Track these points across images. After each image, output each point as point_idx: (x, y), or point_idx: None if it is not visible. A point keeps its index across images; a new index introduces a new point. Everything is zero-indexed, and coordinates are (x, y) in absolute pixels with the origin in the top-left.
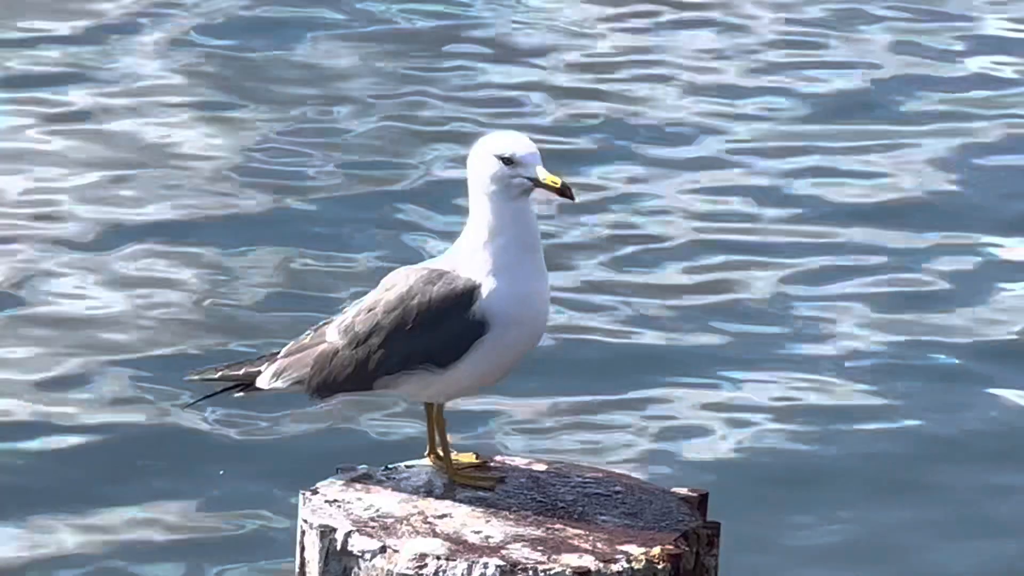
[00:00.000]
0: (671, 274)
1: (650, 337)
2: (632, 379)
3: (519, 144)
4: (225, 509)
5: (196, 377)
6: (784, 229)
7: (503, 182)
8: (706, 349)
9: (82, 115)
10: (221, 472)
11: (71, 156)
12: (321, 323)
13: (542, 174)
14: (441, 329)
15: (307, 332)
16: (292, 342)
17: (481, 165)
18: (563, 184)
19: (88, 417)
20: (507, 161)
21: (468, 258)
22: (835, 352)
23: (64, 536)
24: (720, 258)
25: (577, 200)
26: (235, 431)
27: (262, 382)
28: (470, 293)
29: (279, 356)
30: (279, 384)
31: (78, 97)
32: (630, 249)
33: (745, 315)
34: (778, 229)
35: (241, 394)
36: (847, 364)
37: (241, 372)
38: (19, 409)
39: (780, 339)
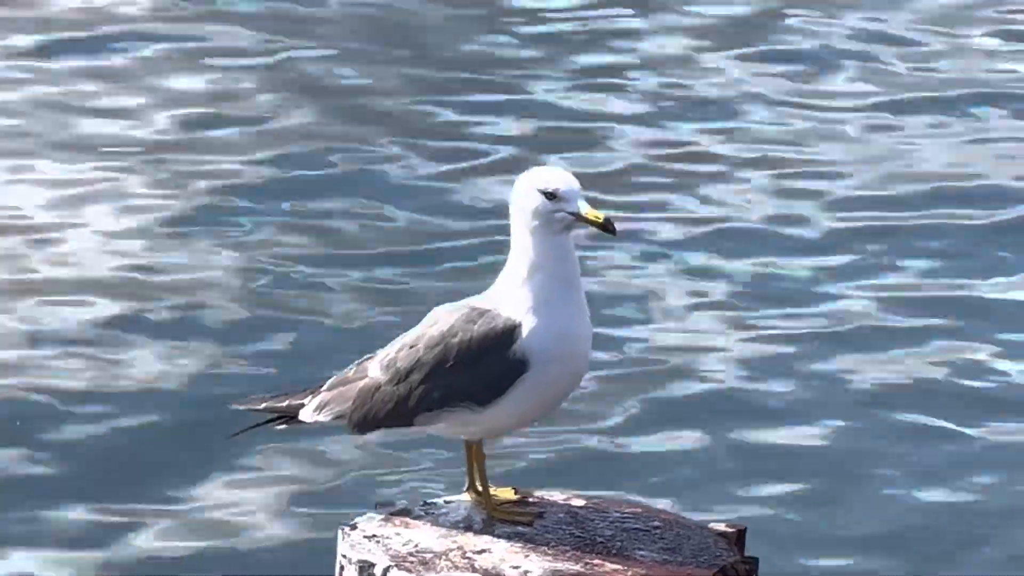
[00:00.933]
0: None
1: None
2: None
3: (561, 179)
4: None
5: (242, 407)
6: None
7: (546, 217)
8: None
9: None
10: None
11: None
12: (364, 357)
13: (584, 208)
14: (481, 368)
15: (351, 366)
16: (336, 375)
17: (524, 200)
18: (606, 218)
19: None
20: (550, 196)
21: (508, 295)
22: None
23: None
24: None
25: (618, 233)
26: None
27: (305, 415)
28: (510, 332)
29: (323, 389)
30: (321, 417)
31: None
32: None
33: None
34: None
35: (284, 426)
36: None
37: (285, 404)
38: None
39: None
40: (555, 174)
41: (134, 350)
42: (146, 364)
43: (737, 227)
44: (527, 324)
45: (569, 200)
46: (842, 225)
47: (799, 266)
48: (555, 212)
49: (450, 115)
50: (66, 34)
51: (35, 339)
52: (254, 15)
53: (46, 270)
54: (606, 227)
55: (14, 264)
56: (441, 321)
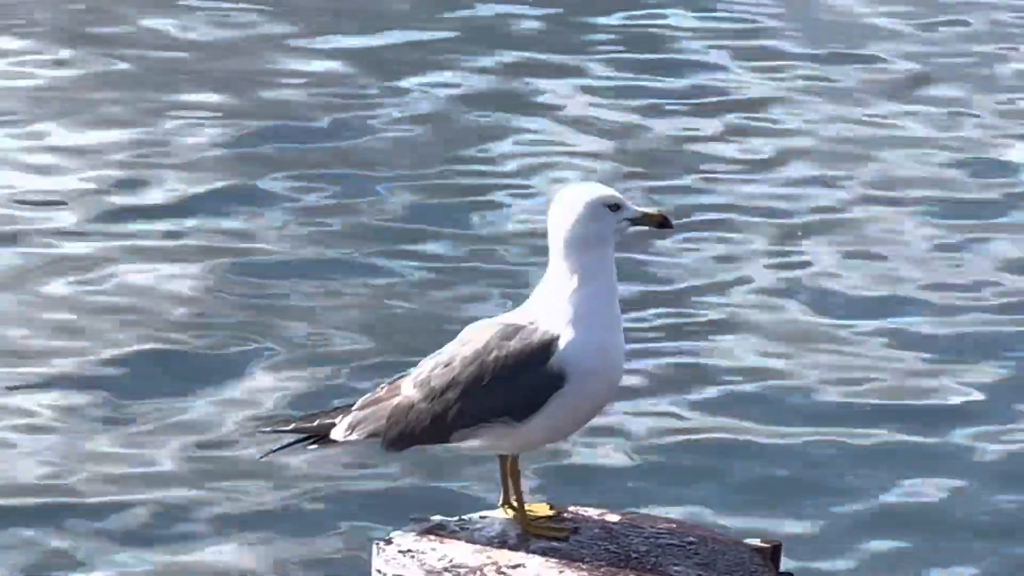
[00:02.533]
0: None
1: None
2: None
3: (610, 190)
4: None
5: (269, 430)
6: None
7: (613, 229)
8: None
9: None
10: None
11: None
12: (396, 377)
13: (644, 209)
14: (518, 383)
15: (381, 385)
16: (366, 396)
17: (589, 216)
18: (663, 215)
19: None
20: (615, 208)
21: (547, 310)
22: None
23: None
24: None
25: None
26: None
27: (337, 434)
28: (547, 347)
29: (353, 409)
30: (354, 436)
31: None
32: None
33: None
34: None
35: (315, 447)
36: None
37: (315, 424)
38: None
39: None
40: (602, 187)
41: None
42: None
43: None
44: (564, 338)
45: (627, 207)
46: None
47: None
48: (619, 222)
49: None
50: None
51: None
52: None
53: None
54: (664, 223)
55: None
56: (476, 339)
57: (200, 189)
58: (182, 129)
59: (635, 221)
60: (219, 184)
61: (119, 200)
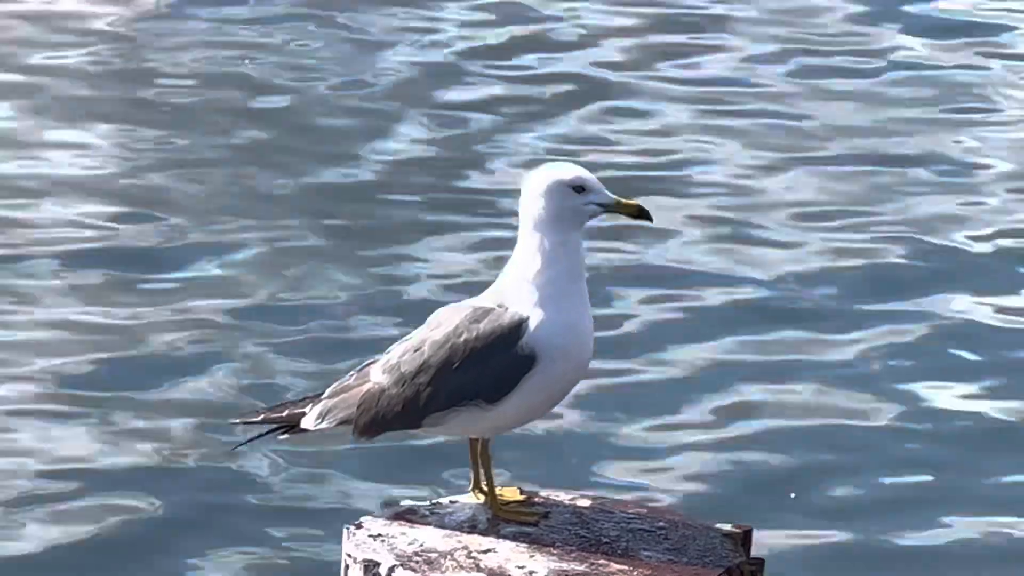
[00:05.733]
0: None
1: None
2: None
3: (583, 171)
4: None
5: (238, 421)
6: None
7: (575, 210)
8: None
9: None
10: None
11: None
12: (364, 364)
13: (617, 198)
14: (490, 365)
15: (350, 373)
16: (335, 383)
17: (550, 195)
18: (639, 206)
19: None
20: (578, 189)
21: (515, 291)
22: None
23: None
24: None
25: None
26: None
27: (307, 423)
28: (517, 327)
29: (323, 397)
30: (324, 424)
31: None
32: None
33: None
34: None
35: (286, 436)
36: None
37: (284, 414)
38: None
39: None
40: (576, 168)
41: None
42: None
43: None
44: (535, 319)
45: (597, 191)
46: None
47: None
48: (584, 205)
49: None
50: None
51: None
52: None
53: None
54: (641, 214)
55: None
56: (445, 322)
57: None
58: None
59: (606, 207)
60: None
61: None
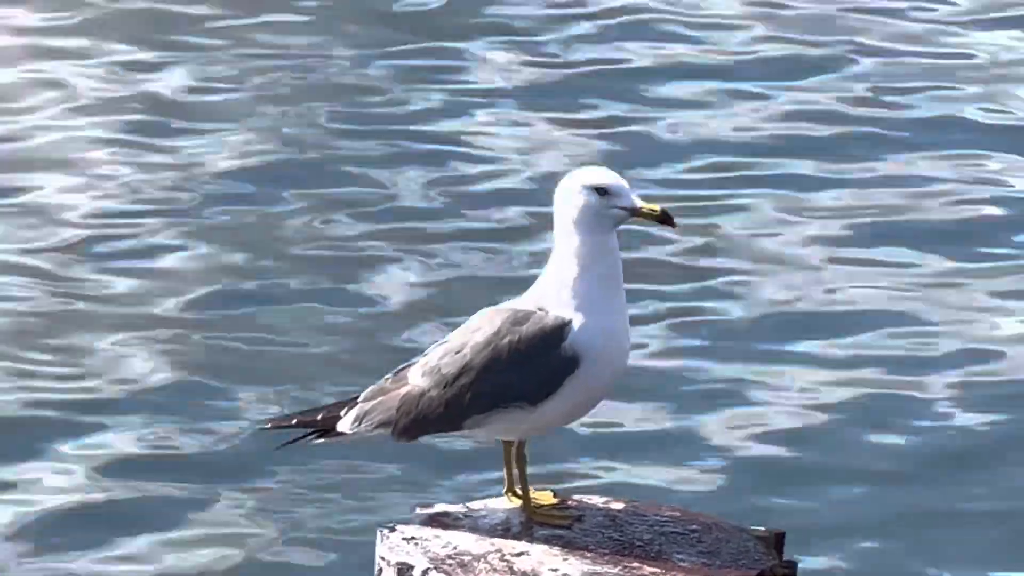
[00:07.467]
0: None
1: None
2: None
3: (610, 175)
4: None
5: (270, 426)
6: None
7: (597, 213)
8: None
9: None
10: None
11: None
12: (401, 367)
13: (639, 202)
14: (532, 367)
15: (385, 376)
16: (371, 387)
17: (573, 198)
18: (663, 210)
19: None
20: (601, 192)
21: (555, 295)
22: None
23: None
24: None
25: (679, 226)
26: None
27: (344, 426)
28: (560, 330)
29: (359, 400)
30: (362, 428)
31: None
32: None
33: None
34: None
35: (321, 440)
36: None
37: (319, 418)
38: None
39: None
40: (603, 172)
41: None
42: None
43: None
44: (577, 322)
45: (621, 195)
46: None
47: None
48: (608, 208)
49: None
50: None
51: None
52: None
53: None
54: (664, 219)
55: None
56: (486, 325)
57: None
58: None
59: (632, 211)
60: None
61: None
